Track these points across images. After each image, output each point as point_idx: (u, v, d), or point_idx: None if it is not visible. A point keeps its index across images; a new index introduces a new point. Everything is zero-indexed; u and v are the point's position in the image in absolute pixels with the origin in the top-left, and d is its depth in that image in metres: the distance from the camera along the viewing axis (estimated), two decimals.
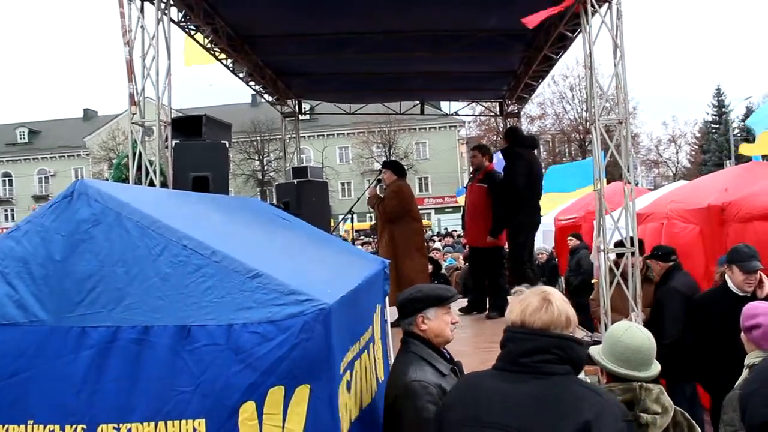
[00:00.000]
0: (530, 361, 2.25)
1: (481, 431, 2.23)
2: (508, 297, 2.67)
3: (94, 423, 2.19)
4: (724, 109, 52.14)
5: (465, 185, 8.46)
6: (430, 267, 10.57)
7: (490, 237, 7.76)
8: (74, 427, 2.20)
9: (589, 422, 2.10)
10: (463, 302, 8.07)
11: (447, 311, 3.17)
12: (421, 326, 3.11)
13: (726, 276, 5.02)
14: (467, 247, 8.70)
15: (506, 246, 8.16)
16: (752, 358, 3.56)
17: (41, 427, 2.21)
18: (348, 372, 2.68)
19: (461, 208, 8.61)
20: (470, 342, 6.38)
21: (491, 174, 8.07)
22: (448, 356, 3.21)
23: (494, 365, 2.38)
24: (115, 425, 2.18)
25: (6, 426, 2.22)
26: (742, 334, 3.74)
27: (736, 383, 3.39)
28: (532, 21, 5.96)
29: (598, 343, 3.66)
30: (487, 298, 8.06)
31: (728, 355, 4.81)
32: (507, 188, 7.69)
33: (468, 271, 9.50)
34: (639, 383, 2.99)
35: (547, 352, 2.25)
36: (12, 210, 59.77)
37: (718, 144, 48.87)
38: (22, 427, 2.21)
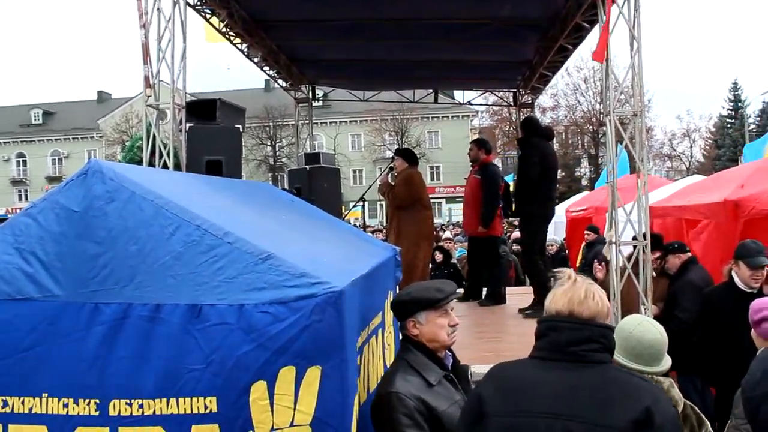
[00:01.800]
0: (579, 350, 2.24)
1: (531, 421, 2.19)
2: (508, 287, 2.63)
3: (107, 397, 2.21)
4: (740, 104, 51.63)
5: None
6: (441, 256, 10.59)
7: (482, 227, 7.95)
8: (87, 401, 2.22)
9: (649, 408, 2.11)
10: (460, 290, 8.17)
11: (442, 314, 2.94)
12: (412, 331, 2.92)
13: (733, 272, 4.99)
14: (469, 237, 8.87)
15: (501, 235, 8.38)
16: (766, 352, 3.54)
17: (55, 399, 2.23)
18: (357, 356, 2.70)
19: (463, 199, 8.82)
20: (468, 332, 6.38)
21: (486, 166, 8.27)
22: (450, 360, 3.08)
23: (534, 354, 2.35)
24: (127, 400, 2.20)
25: (22, 398, 2.24)
26: (752, 330, 3.72)
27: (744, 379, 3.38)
28: (599, 55, 6.12)
29: None
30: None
31: (734, 351, 4.79)
32: (521, 178, 7.72)
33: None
34: (649, 376, 2.98)
35: (595, 341, 2.25)
36: (26, 190, 60.30)
37: (732, 139, 48.42)
38: (37, 399, 2.24)
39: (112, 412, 2.20)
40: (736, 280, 4.92)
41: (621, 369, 2.35)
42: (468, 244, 9.17)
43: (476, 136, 54.09)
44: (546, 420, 2.17)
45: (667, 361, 3.06)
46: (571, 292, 2.32)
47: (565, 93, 47.84)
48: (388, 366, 3.48)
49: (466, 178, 8.73)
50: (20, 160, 61.81)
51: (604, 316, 2.31)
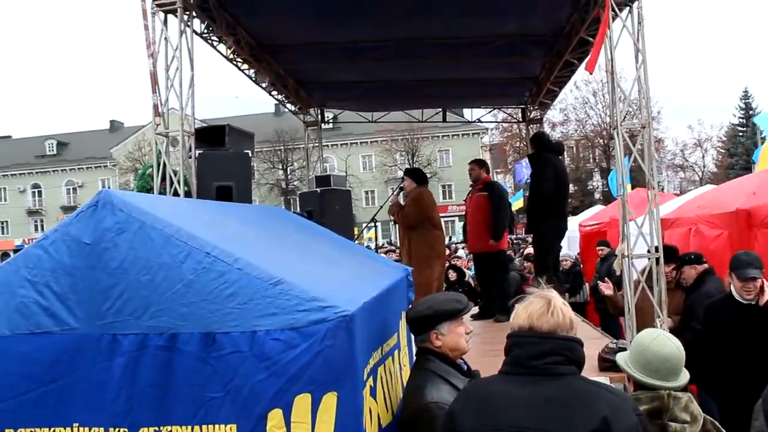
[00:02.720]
0: (541, 363, 2.29)
1: None
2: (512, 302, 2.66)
3: (136, 426, 2.23)
4: (751, 112, 51.35)
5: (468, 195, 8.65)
6: (455, 275, 10.55)
7: (492, 240, 7.90)
8: (117, 429, 2.24)
9: (606, 417, 2.15)
10: (475, 309, 8.11)
11: (460, 323, 3.12)
12: (435, 342, 3.06)
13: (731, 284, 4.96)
14: (474, 255, 8.83)
15: (508, 250, 8.34)
16: None
17: (86, 429, 2.26)
18: (371, 378, 2.69)
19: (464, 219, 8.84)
20: (480, 349, 6.32)
21: (491, 184, 8.40)
22: (465, 368, 3.18)
23: (502, 370, 2.41)
24: (156, 428, 2.22)
25: (53, 428, 2.27)
26: None
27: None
28: (591, 66, 6.17)
29: (623, 350, 3.61)
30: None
31: (732, 362, 4.78)
32: (534, 194, 7.71)
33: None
34: (667, 391, 2.94)
35: (557, 354, 2.30)
36: (41, 221, 60.84)
37: (745, 147, 48.10)
38: (69, 429, 2.27)
39: None
40: (733, 291, 4.88)
41: (587, 380, 2.36)
42: (474, 263, 9.11)
43: (487, 154, 53.82)
44: None
45: (685, 376, 3.02)
46: (531, 307, 2.38)
47: (574, 107, 47.87)
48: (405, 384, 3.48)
49: (465, 199, 8.75)
50: (35, 190, 62.48)
51: (566, 328, 2.35)
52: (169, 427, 2.21)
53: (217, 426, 2.20)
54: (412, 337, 3.95)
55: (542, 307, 2.36)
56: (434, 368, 3.01)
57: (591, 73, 6.33)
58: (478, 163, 8.64)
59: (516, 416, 2.24)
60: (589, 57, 6.21)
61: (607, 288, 6.52)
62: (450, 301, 3.19)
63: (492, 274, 8.22)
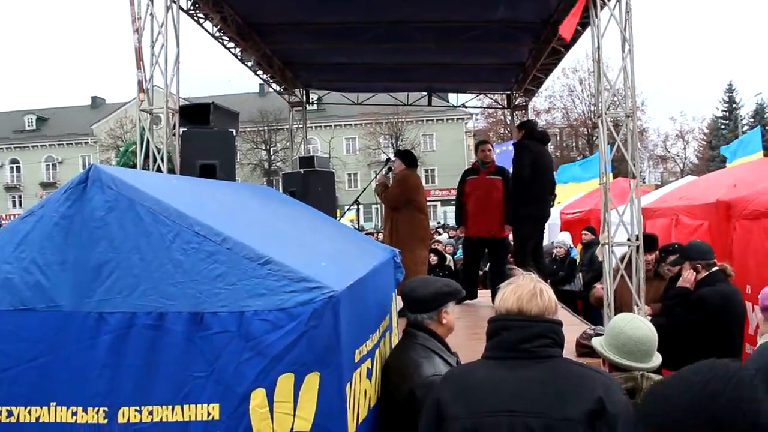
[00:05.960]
0: (531, 346, 2.31)
1: (493, 421, 2.25)
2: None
3: (116, 405, 2.23)
4: (735, 105, 51.87)
5: (464, 178, 8.46)
6: (435, 259, 10.61)
7: (508, 225, 7.96)
8: (96, 409, 2.23)
9: (601, 397, 2.19)
10: None
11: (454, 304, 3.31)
12: (442, 320, 3.18)
13: None
14: (470, 238, 8.54)
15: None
16: (766, 337, 3.58)
17: (64, 408, 2.25)
18: (369, 359, 2.72)
19: (457, 202, 8.53)
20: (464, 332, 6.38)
21: (501, 168, 8.28)
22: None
23: (486, 354, 2.42)
24: (137, 407, 2.22)
25: (29, 407, 2.26)
26: (759, 314, 3.77)
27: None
28: (568, 30, 6.11)
29: (600, 335, 3.68)
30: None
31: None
32: (513, 180, 7.78)
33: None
34: (641, 372, 3.03)
35: (545, 336, 2.33)
36: (20, 197, 60.13)
37: (727, 140, 48.59)
38: (45, 408, 2.25)
39: (121, 420, 2.22)
40: None
41: (573, 361, 2.41)
42: (474, 246, 8.51)
43: (472, 139, 53.52)
44: (506, 418, 2.23)
45: (657, 358, 3.12)
46: (520, 290, 2.40)
47: (560, 95, 47.97)
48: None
49: (463, 182, 8.42)
50: (14, 166, 61.60)
51: (552, 311, 2.40)
52: (149, 407, 2.21)
53: (199, 405, 2.20)
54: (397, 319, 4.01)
55: (531, 290, 2.38)
56: (427, 344, 3.10)
57: (567, 41, 6.24)
58: (491, 145, 8.64)
59: (509, 400, 2.25)
60: (565, 21, 6.17)
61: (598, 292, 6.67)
62: (453, 283, 3.39)
63: (495, 260, 8.28)
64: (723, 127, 51.87)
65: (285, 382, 2.18)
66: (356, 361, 2.54)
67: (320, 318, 2.18)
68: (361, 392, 2.59)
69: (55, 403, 2.25)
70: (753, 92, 72.59)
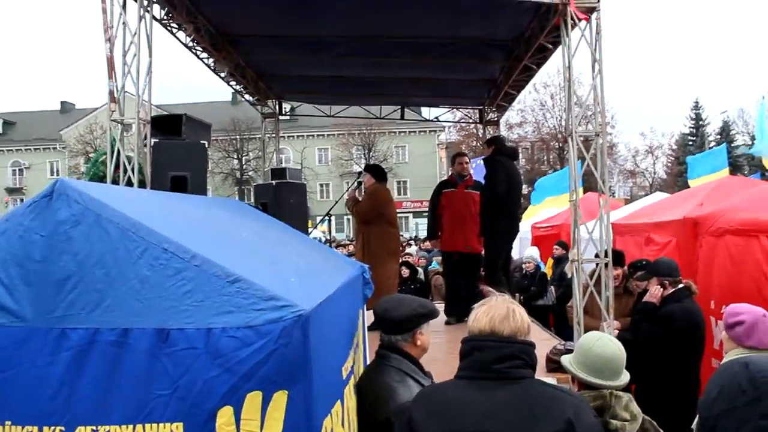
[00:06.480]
0: (503, 367, 2.32)
1: None
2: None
3: (73, 424, 2.17)
4: (701, 122, 52.98)
5: (439, 191, 8.28)
6: (407, 272, 10.63)
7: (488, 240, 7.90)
8: (53, 428, 2.18)
9: (571, 419, 2.21)
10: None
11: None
12: (417, 341, 3.16)
13: None
14: (451, 256, 8.29)
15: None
16: (731, 356, 3.62)
17: (19, 428, 2.19)
18: (352, 376, 2.70)
19: (431, 214, 8.36)
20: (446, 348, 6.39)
21: (478, 182, 8.24)
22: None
23: (459, 374, 2.43)
24: (94, 427, 2.16)
25: None
26: (723, 332, 3.83)
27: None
28: None
29: (570, 351, 3.72)
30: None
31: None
32: (487, 195, 7.80)
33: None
34: (609, 391, 3.06)
35: (517, 357, 2.35)
36: None
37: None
38: (0, 427, 2.19)
39: None
40: None
41: (544, 383, 2.42)
42: (453, 262, 8.26)
43: (444, 151, 53.51)
44: None
45: (625, 376, 3.16)
46: (492, 311, 2.41)
47: (532, 109, 48.52)
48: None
49: (438, 195, 8.27)
50: None
51: (524, 333, 2.41)
52: (107, 427, 2.16)
53: (162, 424, 2.15)
54: (366, 335, 4.00)
55: (504, 311, 2.40)
56: (402, 367, 3.08)
57: None
58: (468, 157, 8.62)
59: (481, 420, 2.26)
60: None
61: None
62: (427, 303, 3.39)
63: (468, 276, 8.02)
64: (690, 143, 52.90)
65: (253, 399, 2.16)
66: (344, 378, 2.53)
67: (289, 336, 2.16)
68: (347, 409, 2.58)
69: (9, 423, 2.19)
70: (719, 110, 74.25)
